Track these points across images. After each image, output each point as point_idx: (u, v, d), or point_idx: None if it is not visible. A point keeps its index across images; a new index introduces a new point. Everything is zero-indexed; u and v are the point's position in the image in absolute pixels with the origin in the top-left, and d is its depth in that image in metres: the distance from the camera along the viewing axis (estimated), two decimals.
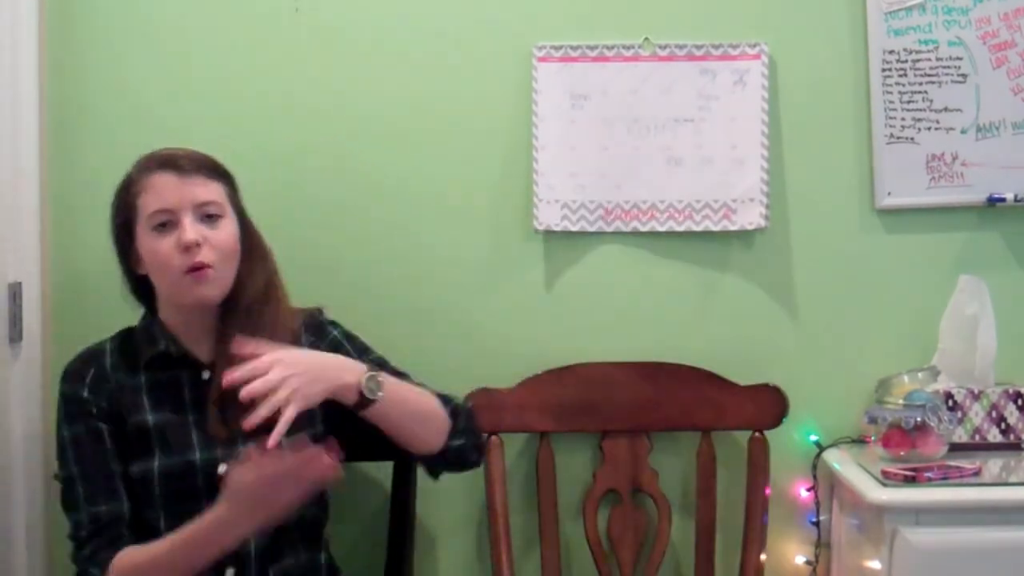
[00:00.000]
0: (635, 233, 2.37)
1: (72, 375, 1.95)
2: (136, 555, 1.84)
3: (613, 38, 2.35)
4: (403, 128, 2.37)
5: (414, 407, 1.93)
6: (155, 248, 1.88)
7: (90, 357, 1.98)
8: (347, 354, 1.96)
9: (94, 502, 1.87)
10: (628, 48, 2.35)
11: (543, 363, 2.33)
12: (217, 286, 1.89)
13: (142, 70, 2.36)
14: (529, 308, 2.38)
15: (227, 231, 1.91)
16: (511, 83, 2.36)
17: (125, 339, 2.00)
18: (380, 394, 1.85)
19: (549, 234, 2.37)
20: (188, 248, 1.86)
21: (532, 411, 2.30)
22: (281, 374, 1.75)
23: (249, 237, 1.97)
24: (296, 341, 1.96)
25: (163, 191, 1.89)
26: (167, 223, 1.87)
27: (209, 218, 1.90)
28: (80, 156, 2.35)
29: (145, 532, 1.90)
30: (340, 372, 1.84)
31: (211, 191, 1.91)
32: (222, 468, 1.87)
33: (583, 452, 2.37)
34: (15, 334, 2.17)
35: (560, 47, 2.34)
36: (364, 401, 1.84)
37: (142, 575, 1.83)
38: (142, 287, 1.98)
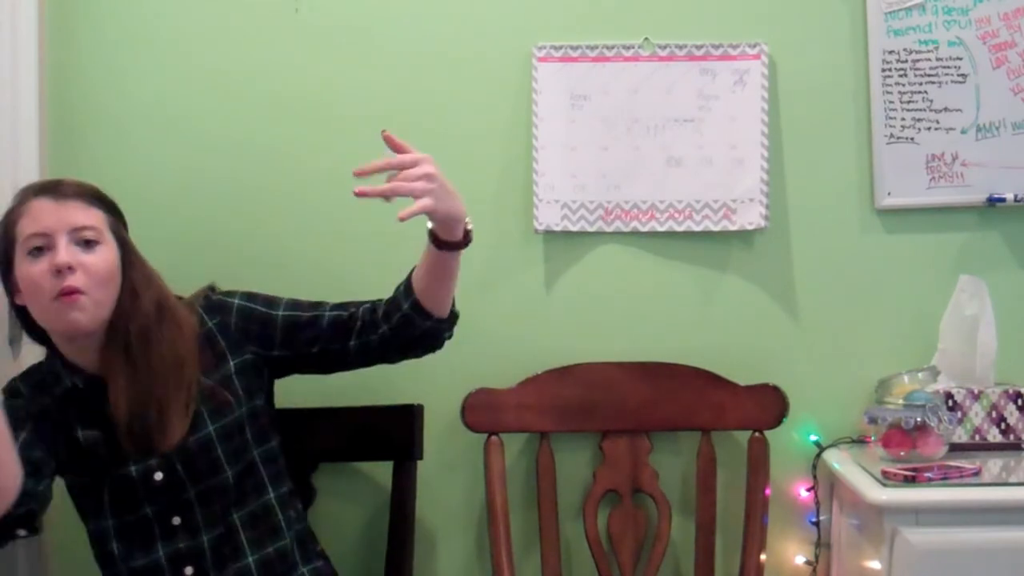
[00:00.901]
0: (635, 233, 2.37)
1: (11, 390, 1.97)
2: None
3: (613, 38, 2.35)
4: (403, 128, 2.34)
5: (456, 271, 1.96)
6: (29, 272, 1.86)
7: (17, 386, 1.98)
8: (258, 315, 1.99)
9: None
10: (628, 48, 2.35)
11: (543, 363, 2.33)
12: (88, 313, 1.86)
13: (142, 70, 2.36)
14: (529, 308, 2.38)
15: (103, 257, 1.89)
16: (511, 83, 2.36)
17: (31, 380, 1.99)
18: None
19: (549, 234, 2.37)
20: (60, 271, 1.83)
21: (532, 411, 2.30)
22: (425, 170, 1.81)
23: (131, 265, 1.93)
24: (201, 323, 1.96)
25: (39, 215, 1.87)
26: (42, 248, 1.86)
27: (86, 244, 1.88)
28: (80, 156, 2.35)
29: (101, 542, 1.94)
30: (461, 203, 1.88)
31: (89, 216, 1.90)
32: (158, 476, 1.90)
33: (583, 452, 2.37)
34: (15, 334, 2.17)
35: (560, 47, 2.35)
36: (463, 240, 1.90)
37: None
38: (27, 321, 1.95)
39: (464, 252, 2.36)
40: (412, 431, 2.23)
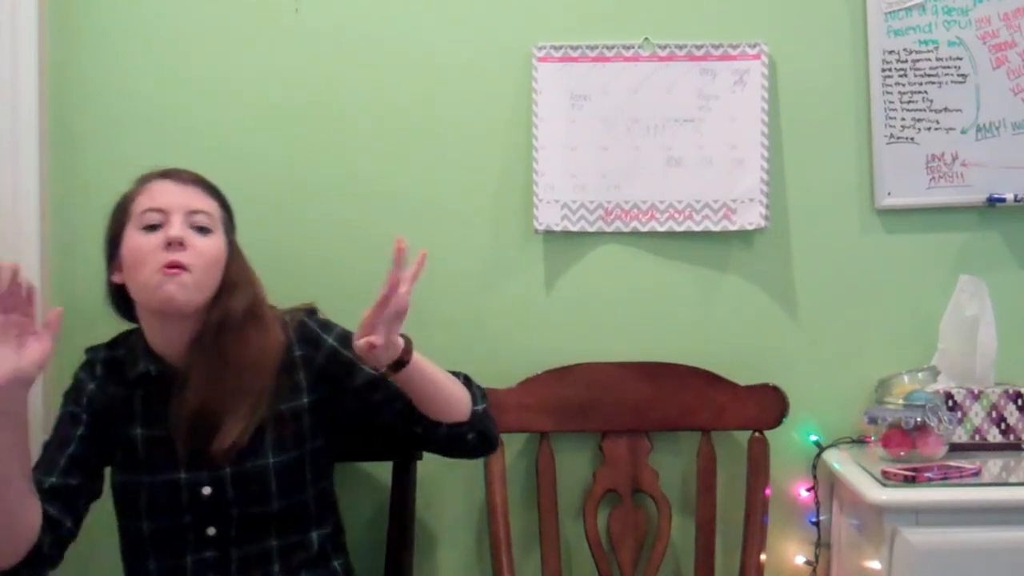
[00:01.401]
0: (635, 233, 2.37)
1: (90, 364, 2.01)
2: None
3: (613, 38, 2.35)
4: (403, 128, 2.37)
5: (440, 374, 1.93)
6: (139, 244, 1.87)
7: (93, 359, 2.02)
8: (345, 361, 1.97)
9: (36, 469, 1.88)
10: (628, 48, 2.35)
11: (543, 363, 2.33)
12: (186, 292, 1.87)
13: (142, 70, 2.36)
14: (529, 308, 2.38)
15: (212, 243, 1.91)
16: (511, 83, 2.36)
17: (113, 352, 2.01)
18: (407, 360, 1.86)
19: (549, 234, 2.37)
20: (171, 244, 1.85)
21: (532, 411, 2.30)
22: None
23: (235, 262, 1.95)
24: (289, 348, 1.96)
25: (158, 193, 1.91)
26: (157, 225, 1.88)
27: (200, 229, 1.90)
28: (80, 157, 2.35)
29: (132, 540, 1.94)
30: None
31: (205, 203, 1.93)
32: (206, 491, 1.90)
33: (583, 452, 2.37)
34: None
35: (560, 47, 2.35)
36: (407, 347, 1.85)
37: None
38: (121, 301, 1.97)
39: (464, 252, 2.37)
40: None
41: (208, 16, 2.36)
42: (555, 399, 2.31)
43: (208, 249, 1.90)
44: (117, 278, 1.94)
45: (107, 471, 1.99)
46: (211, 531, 1.92)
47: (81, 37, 2.35)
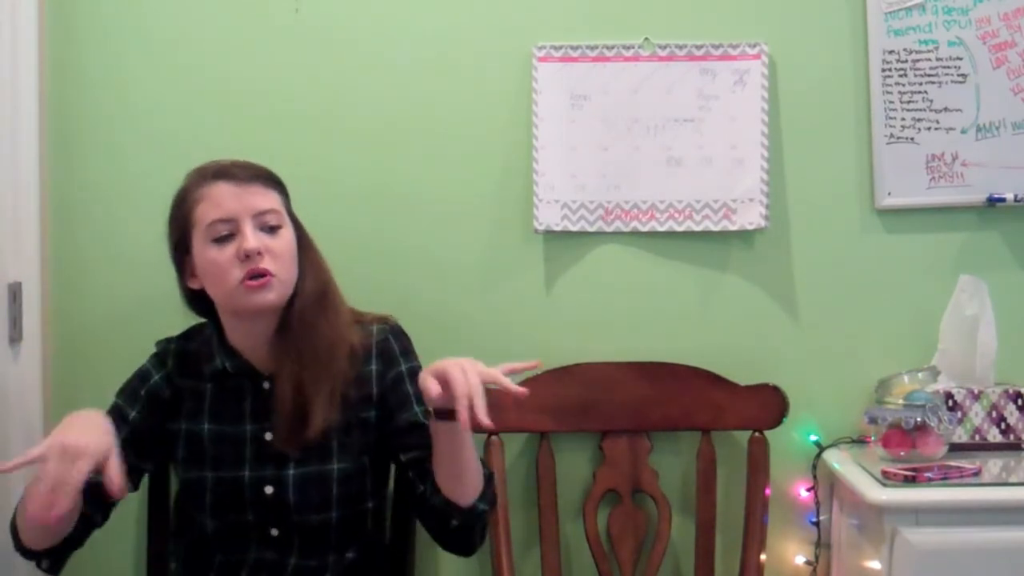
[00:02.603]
0: (635, 233, 2.37)
1: (159, 357, 2.00)
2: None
3: (613, 38, 2.35)
4: (403, 128, 2.37)
5: (472, 450, 1.87)
6: (214, 259, 1.86)
7: (167, 350, 2.01)
8: (404, 393, 1.95)
9: None
10: (628, 48, 2.35)
11: (543, 363, 2.33)
12: (276, 292, 1.87)
13: (142, 71, 2.36)
14: (529, 308, 2.38)
15: (286, 239, 1.90)
16: (511, 83, 2.36)
17: (187, 345, 2.01)
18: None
19: (549, 234, 2.37)
20: (249, 256, 1.84)
21: (532, 411, 2.30)
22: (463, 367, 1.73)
23: (304, 244, 1.96)
24: (367, 359, 1.95)
25: (222, 201, 1.87)
26: (228, 234, 1.86)
27: (270, 229, 1.89)
28: (80, 156, 2.35)
29: (196, 534, 1.95)
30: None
31: (269, 199, 1.91)
32: (268, 490, 1.90)
33: (583, 452, 2.37)
34: (15, 334, 2.17)
35: (560, 47, 2.35)
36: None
37: (22, 505, 1.82)
38: (198, 301, 1.97)
39: (464, 252, 2.37)
40: None
41: (208, 16, 2.36)
42: (555, 399, 2.31)
43: (284, 247, 1.89)
44: (194, 284, 1.93)
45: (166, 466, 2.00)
46: (274, 532, 1.92)
47: (81, 37, 2.35)
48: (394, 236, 2.38)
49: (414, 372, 1.95)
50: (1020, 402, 2.27)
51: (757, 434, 2.30)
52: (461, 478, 1.85)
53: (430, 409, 1.79)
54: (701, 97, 2.35)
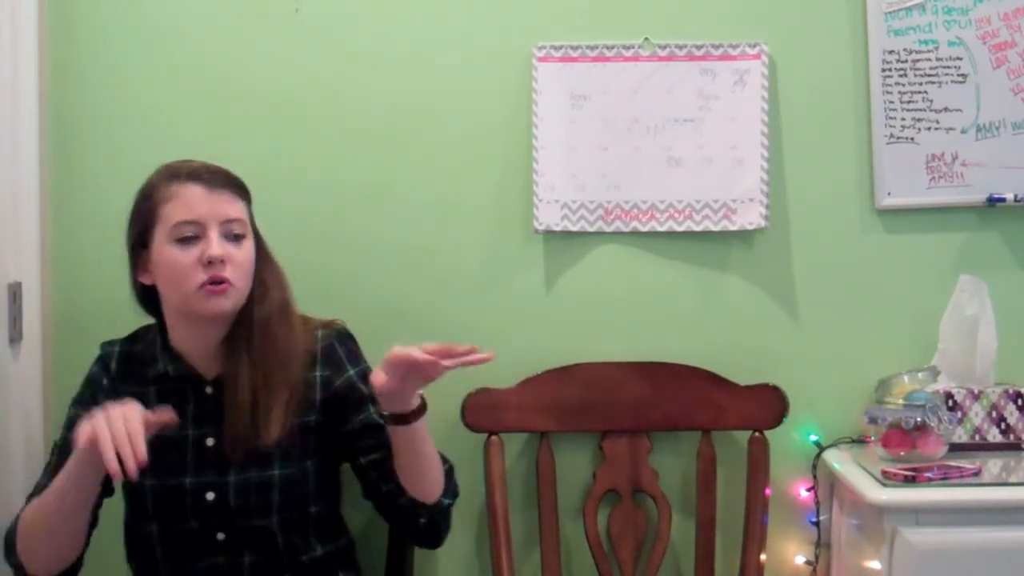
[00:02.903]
0: (635, 233, 2.37)
1: (102, 360, 2.00)
2: (34, 502, 1.87)
3: (613, 38, 2.35)
4: (403, 128, 2.37)
5: (431, 447, 1.90)
6: (176, 260, 1.86)
7: (110, 353, 2.01)
8: (356, 398, 1.96)
9: (53, 472, 1.87)
10: (628, 48, 2.35)
11: (543, 363, 2.33)
12: (233, 301, 1.89)
13: (142, 70, 2.36)
14: (529, 308, 2.38)
15: (247, 250, 1.91)
16: (511, 83, 2.36)
17: (131, 348, 2.01)
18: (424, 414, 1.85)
19: (549, 234, 2.37)
20: (212, 262, 1.85)
21: (532, 411, 2.30)
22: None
23: (264, 258, 1.96)
24: (311, 364, 1.96)
25: (192, 203, 1.87)
26: (192, 236, 1.86)
27: (233, 236, 1.89)
28: (80, 156, 2.35)
29: (140, 542, 1.95)
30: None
31: (236, 208, 1.91)
32: (210, 496, 1.90)
33: (583, 452, 2.37)
34: (15, 334, 2.17)
35: (560, 47, 2.35)
36: (419, 410, 1.84)
37: (38, 516, 1.83)
38: (147, 297, 1.97)
39: (464, 253, 2.37)
40: None
41: (208, 16, 2.36)
42: (555, 399, 2.31)
43: (244, 258, 1.90)
44: (146, 279, 1.93)
45: None
46: (220, 536, 1.92)
47: (81, 37, 2.35)
48: (394, 235, 2.37)
49: (364, 374, 1.96)
50: (1020, 402, 2.27)
51: (757, 434, 2.30)
52: (424, 476, 1.88)
53: (385, 413, 1.84)
54: (701, 97, 2.35)
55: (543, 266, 2.38)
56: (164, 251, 1.87)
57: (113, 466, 1.66)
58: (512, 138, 2.36)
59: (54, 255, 2.33)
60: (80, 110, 2.35)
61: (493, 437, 2.29)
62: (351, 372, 1.99)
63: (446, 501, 1.93)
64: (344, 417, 1.96)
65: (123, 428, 1.68)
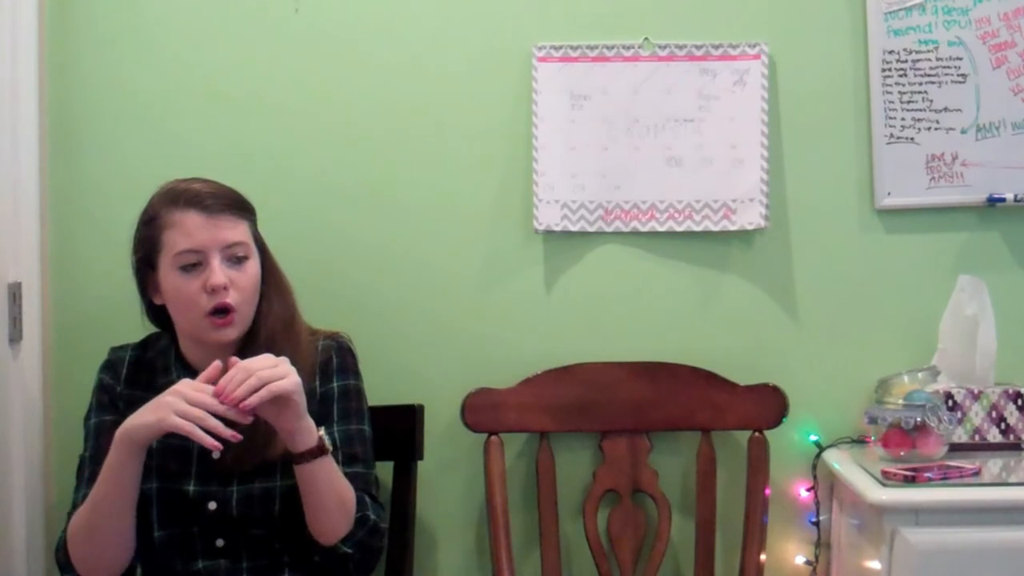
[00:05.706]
0: (635, 233, 2.37)
1: (111, 366, 2.00)
2: (79, 512, 1.87)
3: (613, 38, 2.35)
4: (402, 128, 2.37)
5: (332, 493, 1.85)
6: (180, 287, 1.88)
7: (120, 358, 2.01)
8: (327, 412, 1.95)
9: (89, 484, 1.87)
10: (628, 48, 2.35)
11: (543, 363, 2.33)
12: (238, 328, 1.90)
13: (142, 71, 2.36)
14: (529, 308, 2.38)
15: (251, 272, 1.92)
16: (511, 83, 2.36)
17: (143, 354, 2.02)
18: (329, 450, 1.83)
19: (549, 234, 2.37)
20: (215, 290, 1.86)
21: (532, 411, 2.30)
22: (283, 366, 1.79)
23: (270, 272, 1.97)
24: (311, 376, 1.96)
25: (192, 231, 1.88)
26: (195, 264, 1.88)
27: (236, 259, 1.90)
28: (80, 157, 2.35)
29: (143, 543, 1.94)
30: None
31: (238, 232, 1.92)
32: (212, 505, 1.91)
33: (583, 452, 2.37)
34: (15, 334, 2.17)
35: (560, 47, 2.35)
36: (309, 452, 1.81)
37: (85, 522, 1.84)
38: (159, 314, 1.99)
39: (464, 252, 2.37)
40: (413, 431, 2.24)
41: (208, 16, 2.36)
42: (555, 399, 2.31)
43: (248, 281, 1.91)
44: (158, 300, 1.95)
45: None
46: (220, 542, 1.92)
47: (81, 37, 2.35)
48: (394, 235, 2.37)
49: (345, 390, 1.98)
50: (1020, 402, 2.27)
51: (757, 434, 2.31)
52: (317, 516, 1.85)
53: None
54: (701, 97, 2.35)
55: (543, 266, 2.38)
56: (169, 278, 1.90)
57: (209, 441, 1.71)
58: (512, 138, 2.36)
59: (54, 255, 2.33)
60: (80, 111, 2.35)
61: (493, 437, 2.29)
62: (333, 384, 1.99)
63: (344, 549, 1.87)
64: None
65: (194, 407, 1.73)
